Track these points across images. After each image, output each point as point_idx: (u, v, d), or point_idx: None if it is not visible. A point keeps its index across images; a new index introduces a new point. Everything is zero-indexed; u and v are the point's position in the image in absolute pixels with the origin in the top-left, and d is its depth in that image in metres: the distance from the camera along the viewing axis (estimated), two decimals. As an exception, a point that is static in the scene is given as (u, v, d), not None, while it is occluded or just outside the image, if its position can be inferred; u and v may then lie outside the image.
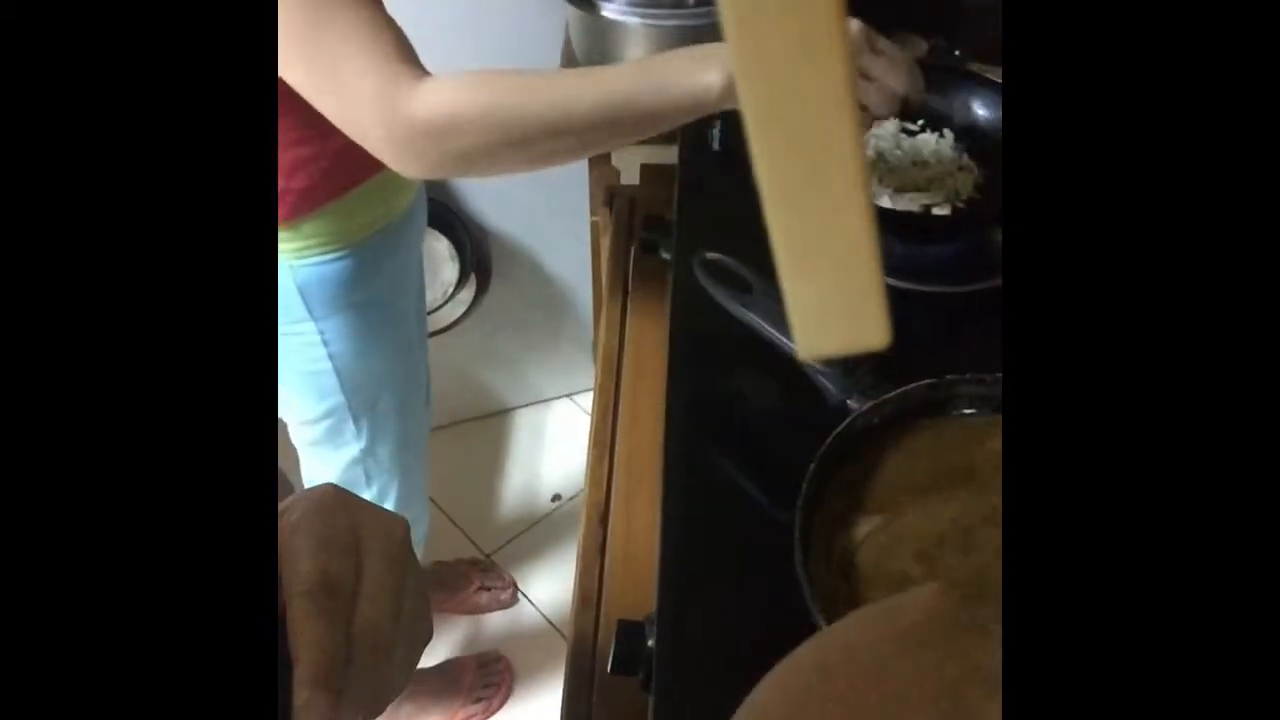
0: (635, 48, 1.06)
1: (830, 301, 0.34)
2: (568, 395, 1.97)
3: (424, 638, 0.41)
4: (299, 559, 0.35)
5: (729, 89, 0.69)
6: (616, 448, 0.81)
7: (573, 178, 1.38)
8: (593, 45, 1.07)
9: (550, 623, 1.65)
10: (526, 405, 1.96)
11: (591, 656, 0.71)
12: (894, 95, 0.72)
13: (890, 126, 0.87)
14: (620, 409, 0.84)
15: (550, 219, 1.63)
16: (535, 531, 1.76)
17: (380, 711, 0.38)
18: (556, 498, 1.81)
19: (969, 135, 0.87)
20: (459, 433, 1.88)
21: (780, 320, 0.66)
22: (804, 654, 0.37)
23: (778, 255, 0.34)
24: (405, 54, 0.69)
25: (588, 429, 1.84)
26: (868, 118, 0.74)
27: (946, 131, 0.87)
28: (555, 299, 1.79)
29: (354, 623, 0.35)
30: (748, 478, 0.68)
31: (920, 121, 0.88)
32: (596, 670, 0.70)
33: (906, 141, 0.86)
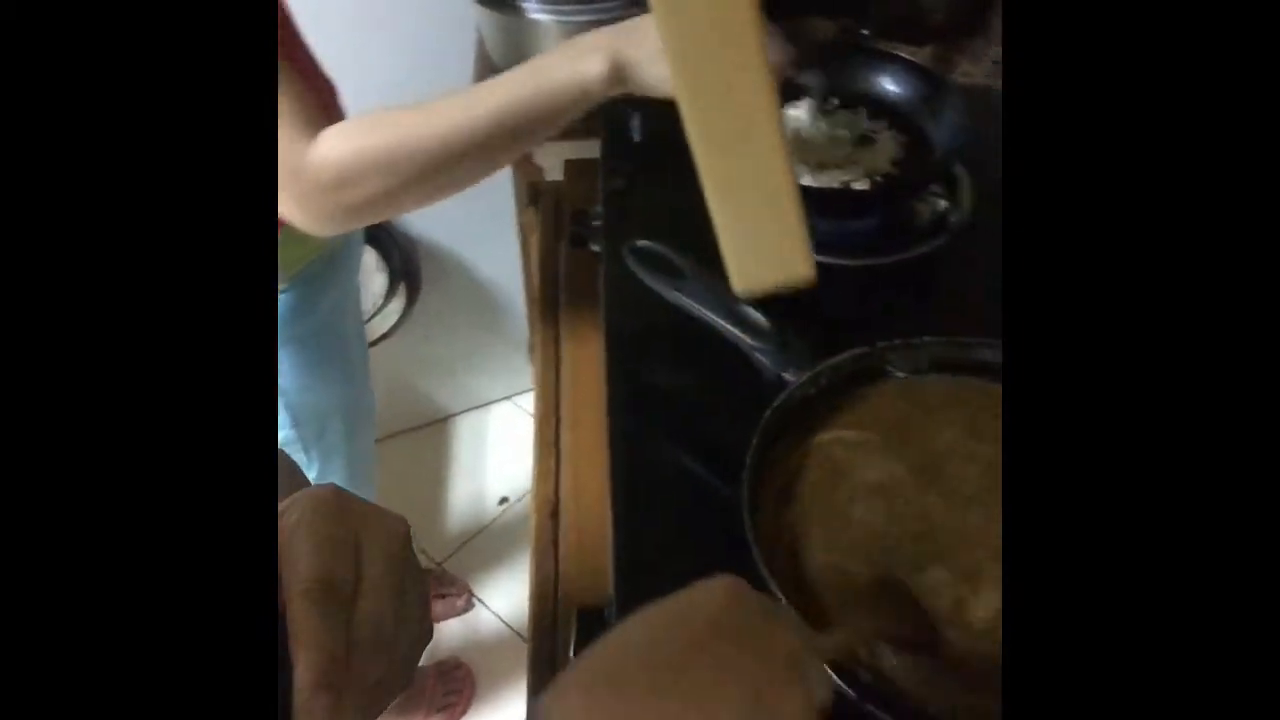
0: (552, 46, 1.06)
1: (759, 241, 0.37)
2: (507, 397, 1.96)
3: (424, 638, 0.41)
4: (299, 559, 0.35)
5: (612, 74, 0.70)
6: (562, 442, 0.82)
7: (496, 181, 1.38)
8: (508, 46, 1.07)
9: (508, 626, 1.64)
10: (467, 410, 1.95)
11: (553, 650, 0.71)
12: (779, 54, 0.73)
13: (805, 106, 0.89)
14: (562, 403, 0.85)
15: (477, 222, 1.63)
16: (485, 536, 1.76)
17: (380, 711, 0.38)
18: (504, 501, 1.80)
19: (882, 110, 0.89)
20: (401, 443, 1.86)
21: (714, 302, 0.67)
22: (597, 659, 0.37)
23: (711, 203, 0.36)
24: (306, 113, 0.69)
25: (530, 430, 1.84)
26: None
27: (860, 108, 0.89)
28: (488, 301, 1.79)
29: (354, 623, 0.35)
30: (694, 459, 0.69)
31: (835, 101, 0.90)
32: (559, 664, 0.70)
33: (822, 120, 0.88)
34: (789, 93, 0.89)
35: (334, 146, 0.68)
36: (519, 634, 1.62)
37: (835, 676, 0.46)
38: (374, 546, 0.38)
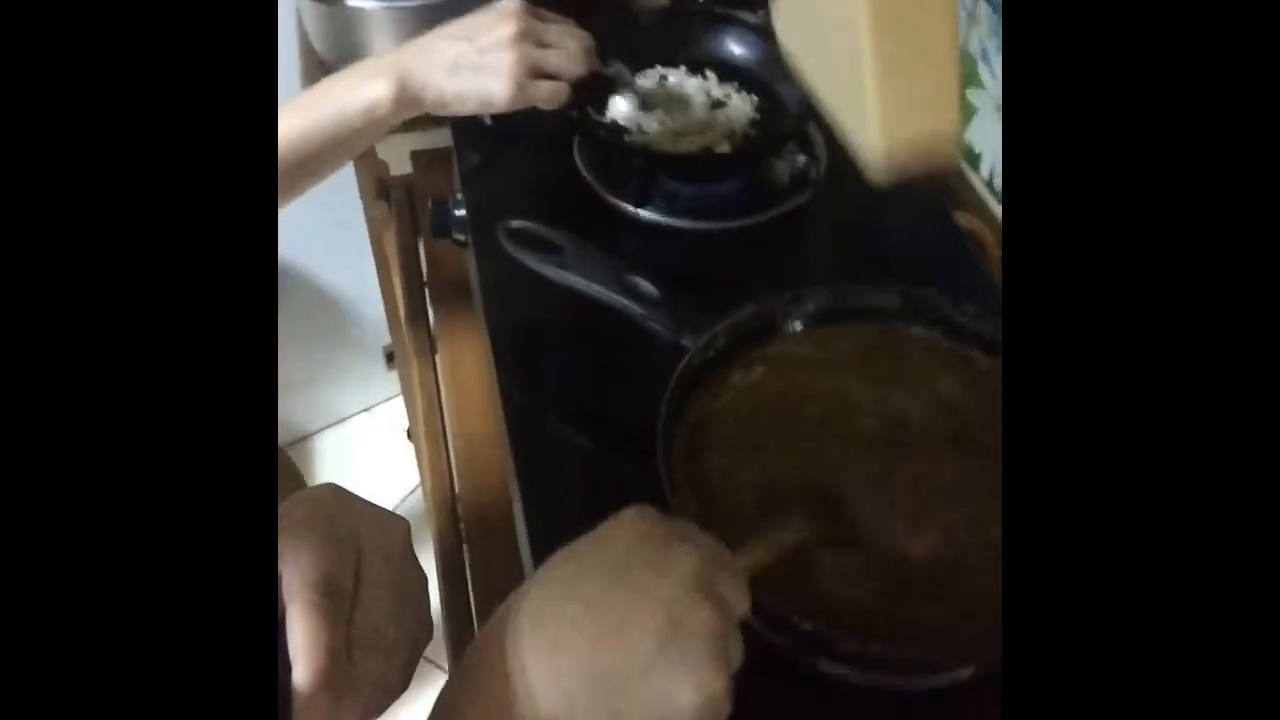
0: (381, 35, 1.02)
1: (918, 97, 0.39)
2: (367, 409, 1.89)
3: (424, 639, 0.41)
4: (299, 559, 0.35)
5: (400, 97, 0.70)
6: (449, 436, 0.79)
7: (337, 186, 1.31)
8: (334, 39, 1.02)
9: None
10: (326, 428, 1.87)
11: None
12: (579, 52, 0.74)
13: (651, 78, 0.88)
14: (445, 398, 0.82)
15: (320, 230, 1.55)
16: (362, 553, 1.69)
17: (380, 711, 0.38)
18: (379, 515, 1.74)
19: (731, 73, 0.90)
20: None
21: (600, 274, 0.66)
22: (517, 607, 0.39)
23: (872, 65, 0.38)
24: None
25: (393, 440, 1.78)
26: (565, 82, 0.75)
27: (708, 72, 0.90)
28: (337, 310, 1.71)
29: (354, 623, 0.36)
30: (597, 440, 0.68)
31: (682, 67, 0.90)
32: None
33: (671, 87, 0.88)
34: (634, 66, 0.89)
35: None
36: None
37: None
38: (374, 547, 0.38)
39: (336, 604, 0.35)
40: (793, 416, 0.60)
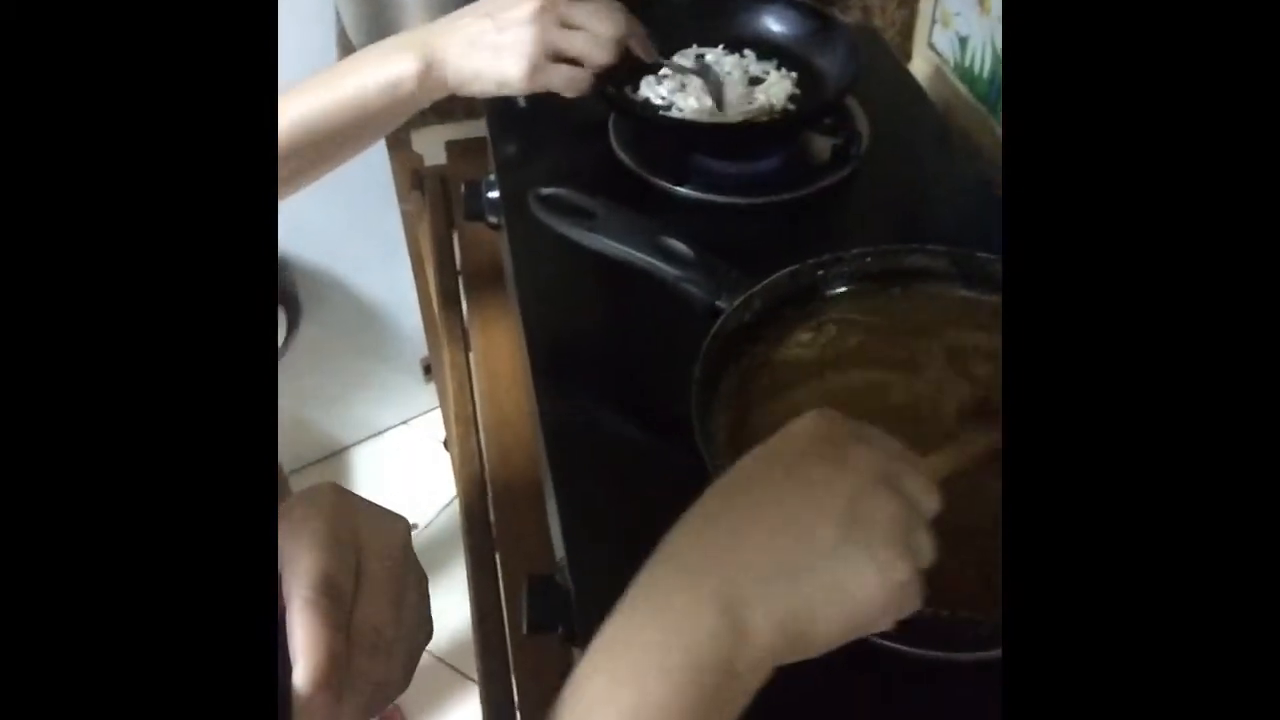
0: (415, 20, 1.01)
1: None
2: (403, 422, 1.88)
3: (424, 638, 0.41)
4: (299, 559, 0.35)
5: (425, 75, 0.67)
6: (480, 418, 0.77)
7: (371, 188, 1.31)
8: (369, 24, 1.01)
9: (433, 655, 1.56)
10: (363, 440, 1.86)
11: (502, 632, 0.66)
12: (607, 39, 0.71)
13: (688, 57, 0.87)
14: (476, 380, 0.80)
15: (355, 237, 1.55)
16: (398, 567, 1.67)
17: (380, 711, 0.37)
18: (413, 528, 1.72)
19: (770, 51, 0.88)
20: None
21: (634, 237, 0.63)
22: (706, 498, 0.39)
23: None
24: None
25: (430, 453, 1.77)
26: (588, 69, 0.71)
27: (746, 51, 0.88)
28: (374, 323, 1.71)
29: (354, 623, 0.36)
30: (630, 417, 0.65)
31: (721, 46, 0.88)
32: (510, 643, 0.65)
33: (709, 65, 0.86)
34: (670, 46, 0.87)
35: None
36: (445, 663, 1.55)
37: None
38: (374, 546, 0.38)
39: (336, 604, 0.35)
40: (843, 381, 0.57)
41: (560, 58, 0.69)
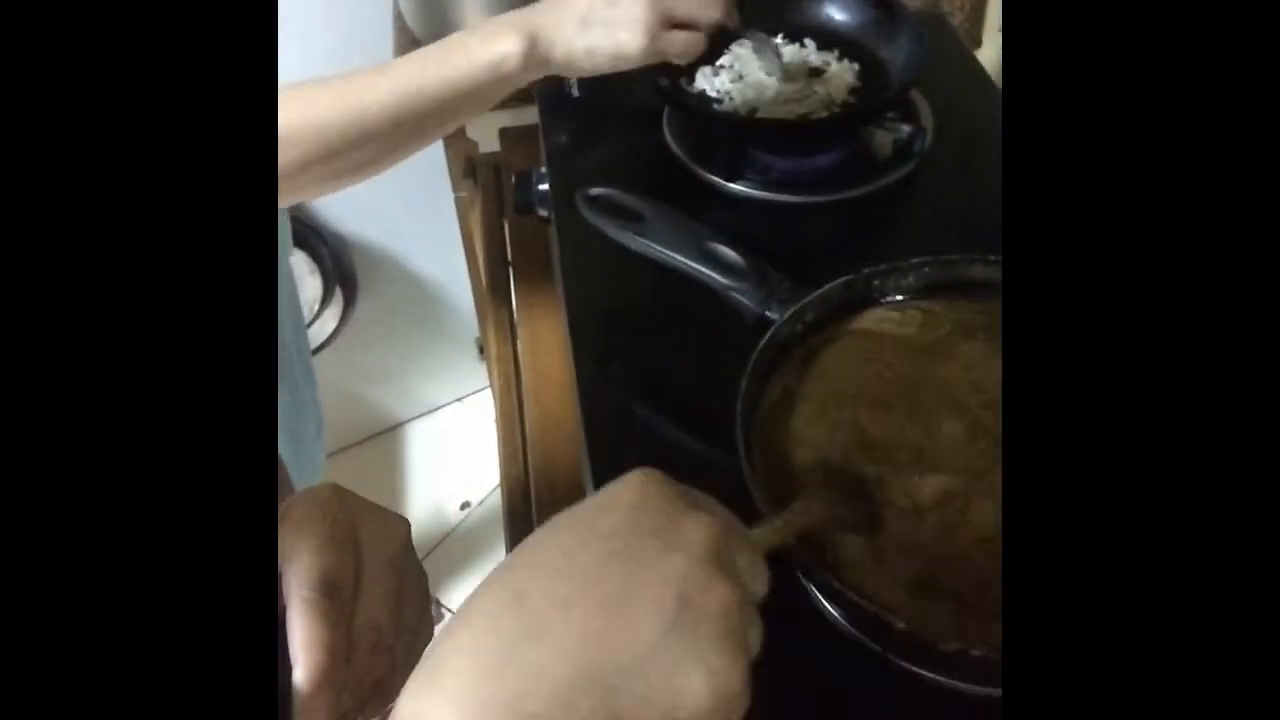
0: (474, 11, 1.00)
1: None
2: (459, 399, 1.89)
3: (424, 638, 0.40)
4: (299, 559, 0.35)
5: (529, 55, 0.66)
6: (526, 418, 0.76)
7: (429, 169, 1.31)
8: (428, 15, 1.00)
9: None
10: (417, 417, 1.87)
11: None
12: None
13: (736, 52, 0.84)
14: (523, 378, 0.79)
15: (412, 217, 1.55)
16: (449, 544, 1.68)
17: (380, 711, 0.37)
18: (465, 505, 1.73)
19: (832, 40, 0.85)
20: (351, 456, 1.78)
21: (683, 243, 0.61)
22: (499, 578, 0.33)
23: None
24: None
25: (486, 430, 1.78)
26: (703, 33, 0.70)
27: (807, 41, 0.85)
28: (430, 300, 1.71)
29: (354, 623, 0.35)
30: (672, 417, 0.64)
31: (781, 35, 0.85)
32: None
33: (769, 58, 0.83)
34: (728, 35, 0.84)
35: None
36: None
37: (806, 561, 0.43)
38: (374, 546, 0.38)
39: (336, 604, 0.35)
40: (871, 394, 0.55)
41: (673, 23, 0.68)
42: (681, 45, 0.69)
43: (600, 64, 0.68)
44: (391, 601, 0.37)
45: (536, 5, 0.68)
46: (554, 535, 0.34)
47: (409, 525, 0.41)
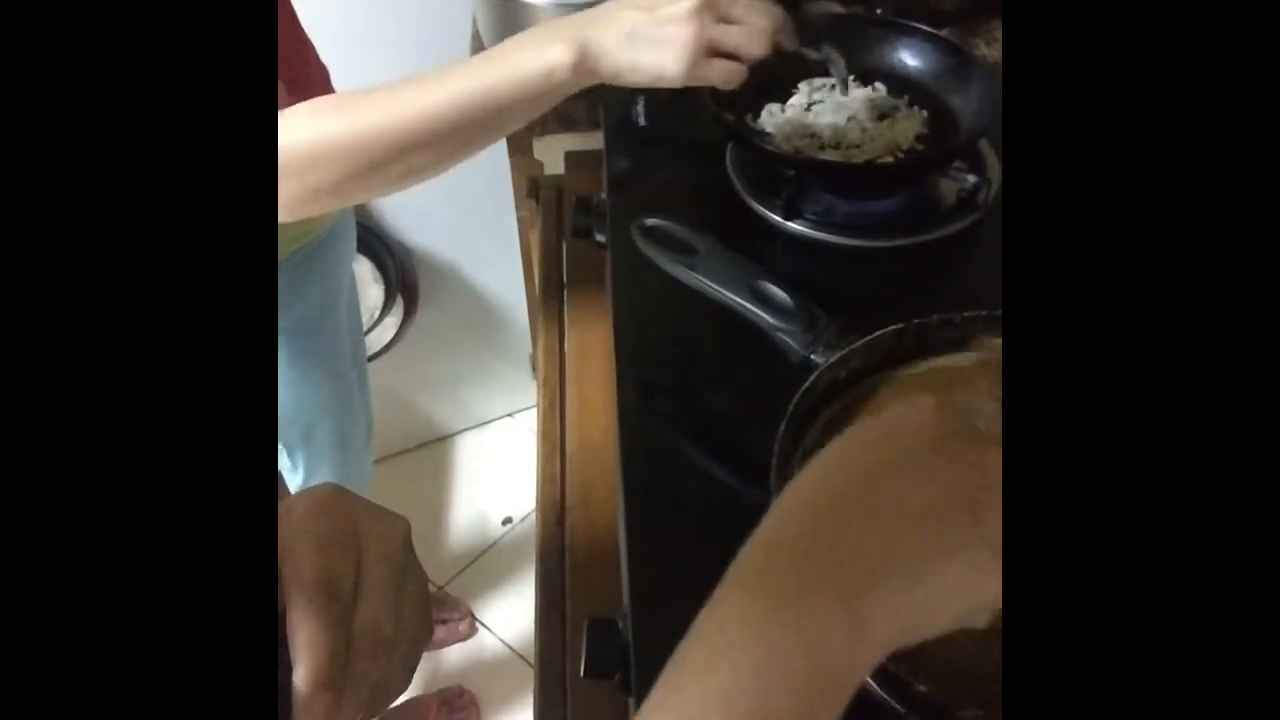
0: (545, 22, 1.01)
1: None
2: (510, 414, 1.90)
3: (425, 638, 0.40)
4: (299, 559, 0.35)
5: (581, 64, 0.66)
6: (567, 443, 0.76)
7: (494, 187, 1.33)
8: (503, 33, 1.02)
9: (513, 650, 1.58)
10: (467, 429, 1.89)
11: (562, 666, 0.65)
12: (763, 31, 0.69)
13: (805, 90, 0.83)
14: (568, 402, 0.79)
15: (476, 230, 1.58)
16: (489, 558, 1.69)
17: (380, 711, 0.37)
18: (508, 520, 1.74)
19: (902, 85, 0.84)
20: (399, 463, 1.80)
21: (733, 280, 0.61)
22: (809, 483, 0.36)
23: None
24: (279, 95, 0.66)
25: (531, 447, 1.79)
26: (745, 65, 0.70)
27: (878, 85, 0.84)
28: (488, 315, 1.73)
29: (354, 623, 0.35)
30: (712, 455, 0.63)
31: (853, 78, 0.85)
32: (569, 680, 0.64)
33: (836, 98, 0.83)
34: (797, 73, 0.84)
35: (302, 126, 0.65)
36: (525, 659, 1.56)
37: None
38: (374, 546, 0.38)
39: (336, 604, 0.35)
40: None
41: (717, 52, 0.68)
42: (721, 74, 0.69)
43: (641, 80, 0.68)
44: (391, 601, 0.37)
45: (588, 13, 0.68)
46: (857, 457, 0.37)
47: (409, 525, 0.41)
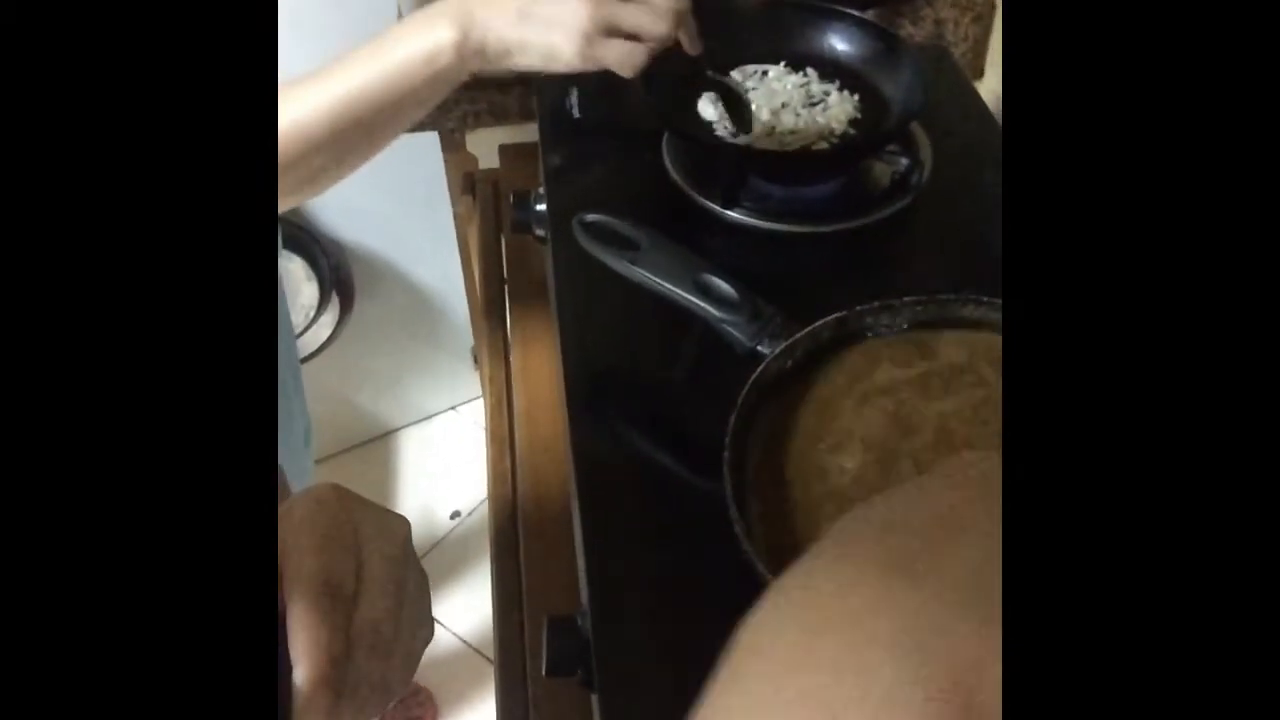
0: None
1: None
2: (452, 408, 1.89)
3: (425, 638, 0.41)
4: (299, 559, 0.35)
5: (465, 43, 0.64)
6: (517, 440, 0.76)
7: (428, 178, 1.31)
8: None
9: (469, 645, 1.57)
10: (410, 424, 1.87)
11: (523, 664, 0.65)
12: (665, 11, 0.67)
13: (738, 78, 0.84)
14: (515, 399, 0.79)
15: (411, 226, 1.56)
16: (438, 553, 1.68)
17: (380, 711, 0.37)
18: (455, 515, 1.73)
19: (832, 71, 0.85)
20: (342, 462, 1.78)
21: (676, 274, 0.61)
22: (863, 539, 0.30)
23: None
24: None
25: (479, 439, 1.77)
26: (646, 47, 0.67)
27: (808, 70, 0.85)
28: (427, 309, 1.71)
29: (354, 623, 0.35)
30: (664, 448, 0.64)
31: (783, 63, 0.85)
32: (530, 678, 0.64)
33: (768, 86, 0.84)
34: (730, 60, 0.84)
35: None
36: (481, 653, 1.56)
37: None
38: (374, 546, 0.38)
39: (336, 604, 0.35)
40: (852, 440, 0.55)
41: (615, 32, 0.66)
42: (618, 56, 0.66)
43: (532, 61, 0.66)
44: (392, 601, 0.37)
45: None
46: (919, 503, 0.31)
47: (409, 525, 0.41)
